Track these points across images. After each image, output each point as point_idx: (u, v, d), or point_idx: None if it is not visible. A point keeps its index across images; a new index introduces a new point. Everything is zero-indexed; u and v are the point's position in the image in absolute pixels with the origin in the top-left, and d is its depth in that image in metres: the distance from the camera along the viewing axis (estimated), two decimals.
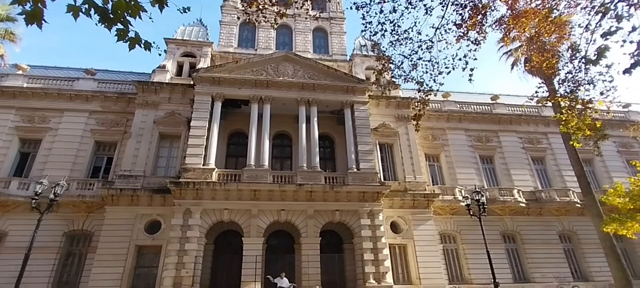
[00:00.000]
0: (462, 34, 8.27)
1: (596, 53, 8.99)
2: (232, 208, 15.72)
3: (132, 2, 3.81)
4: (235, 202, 15.78)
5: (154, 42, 4.42)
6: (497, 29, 9.05)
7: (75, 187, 16.58)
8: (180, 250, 14.49)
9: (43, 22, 3.44)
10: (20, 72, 20.08)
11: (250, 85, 18.39)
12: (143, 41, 4.19)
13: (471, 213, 14.57)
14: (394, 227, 17.50)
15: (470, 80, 8.40)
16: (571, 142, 15.09)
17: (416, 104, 9.44)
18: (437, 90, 8.83)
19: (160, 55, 5.00)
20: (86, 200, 16.40)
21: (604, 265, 17.32)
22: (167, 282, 13.92)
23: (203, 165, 16.16)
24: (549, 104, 16.28)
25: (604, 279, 18.44)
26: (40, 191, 12.44)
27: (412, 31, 8.43)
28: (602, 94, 10.88)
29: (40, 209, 12.21)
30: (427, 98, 8.98)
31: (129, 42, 4.13)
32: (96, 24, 3.63)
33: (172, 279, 13.97)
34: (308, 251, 15.48)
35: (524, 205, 19.63)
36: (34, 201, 12.28)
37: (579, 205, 19.70)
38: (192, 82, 18.57)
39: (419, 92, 8.88)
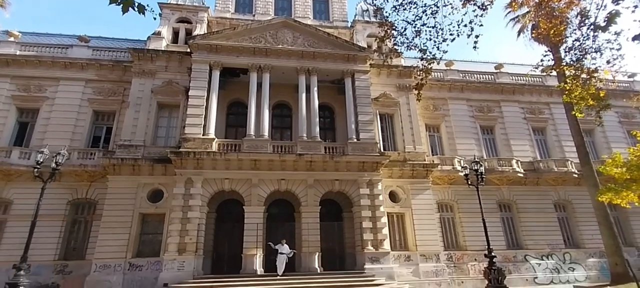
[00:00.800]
0: None
1: (606, 19, 8.68)
2: (233, 178, 15.89)
3: None
4: (235, 171, 15.93)
5: (147, 5, 4.24)
6: None
7: (77, 156, 16.67)
8: (183, 218, 14.82)
9: None
10: (11, 39, 19.53)
11: (248, 53, 17.96)
12: (136, 3, 4.01)
13: (469, 183, 14.75)
14: (393, 196, 17.80)
15: (475, 47, 8.17)
16: (573, 112, 14.99)
17: (418, 72, 9.25)
18: (441, 58, 8.62)
19: (155, 19, 4.81)
20: (88, 170, 16.54)
21: (596, 233, 17.82)
22: (172, 248, 14.37)
23: (203, 135, 16.14)
24: (554, 73, 16.00)
25: (595, 246, 19.05)
26: (41, 160, 12.48)
27: None
28: (608, 62, 10.65)
29: (43, 178, 12.32)
30: (430, 66, 8.78)
31: (122, 5, 3.95)
32: None
33: (177, 245, 14.42)
34: (308, 219, 15.83)
35: (521, 175, 19.86)
36: (36, 170, 12.36)
37: (576, 175, 19.94)
38: (188, 50, 18.13)
39: (422, 60, 8.66)
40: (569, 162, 20.51)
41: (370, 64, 19.40)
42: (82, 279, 14.54)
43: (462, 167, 17.70)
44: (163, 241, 15.26)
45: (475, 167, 14.32)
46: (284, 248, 14.42)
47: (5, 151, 16.28)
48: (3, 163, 15.87)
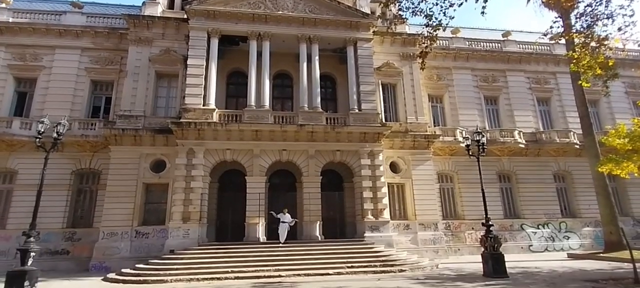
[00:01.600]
0: None
1: None
2: (235, 149, 15.94)
3: None
4: (237, 142, 15.94)
5: None
6: None
7: (77, 127, 16.65)
8: (186, 187, 15.04)
9: None
10: (3, 5, 18.87)
11: (247, 20, 17.38)
12: None
13: (470, 153, 14.74)
14: (394, 167, 17.91)
15: (482, 13, 7.83)
16: (580, 82, 14.71)
17: (423, 40, 8.96)
18: (447, 25, 8.30)
19: None
20: (90, 140, 16.59)
21: (592, 202, 18.09)
22: (176, 217, 14.71)
23: (203, 105, 16.00)
24: (563, 41, 15.53)
25: (591, 216, 19.42)
26: (43, 130, 12.44)
27: None
28: (620, 29, 10.28)
29: (45, 148, 12.35)
30: (435, 33, 8.49)
31: None
32: None
33: (181, 214, 14.74)
34: (309, 189, 16.04)
35: (523, 146, 19.85)
36: (38, 140, 12.36)
37: (577, 147, 19.91)
38: (185, 16, 17.55)
39: (427, 26, 8.35)
40: (572, 133, 20.42)
41: (373, 32, 18.80)
42: (90, 246, 15.03)
43: (463, 138, 17.65)
44: (167, 210, 15.57)
45: (477, 138, 14.24)
46: (286, 217, 14.74)
47: (6, 121, 16.23)
48: (5, 133, 15.88)
